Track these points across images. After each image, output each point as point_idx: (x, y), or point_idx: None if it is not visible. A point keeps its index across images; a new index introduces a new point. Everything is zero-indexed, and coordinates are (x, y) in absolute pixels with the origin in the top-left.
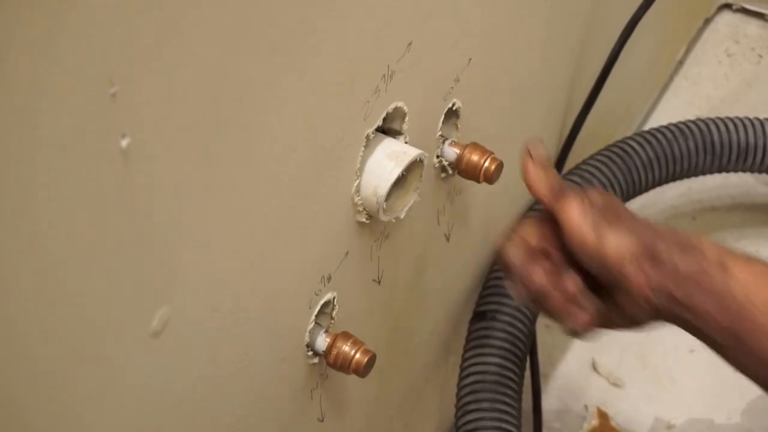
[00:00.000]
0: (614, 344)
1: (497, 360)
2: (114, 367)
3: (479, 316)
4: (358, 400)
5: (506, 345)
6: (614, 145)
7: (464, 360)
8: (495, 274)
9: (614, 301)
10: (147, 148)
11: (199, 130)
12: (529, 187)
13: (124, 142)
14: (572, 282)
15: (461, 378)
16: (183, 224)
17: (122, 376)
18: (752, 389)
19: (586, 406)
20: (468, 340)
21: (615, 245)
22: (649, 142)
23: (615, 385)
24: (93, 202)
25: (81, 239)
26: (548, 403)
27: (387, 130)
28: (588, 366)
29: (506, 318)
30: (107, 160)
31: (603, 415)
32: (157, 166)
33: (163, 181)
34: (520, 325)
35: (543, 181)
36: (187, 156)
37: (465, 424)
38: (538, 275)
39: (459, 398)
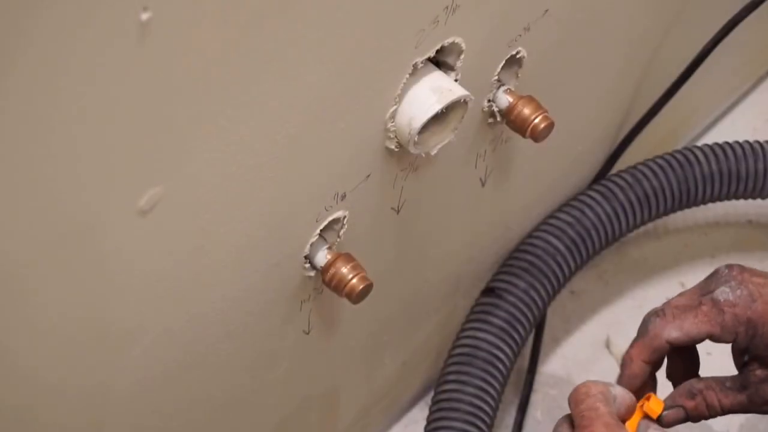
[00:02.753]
0: (633, 327)
1: (491, 338)
2: (98, 240)
3: (488, 291)
4: (351, 321)
5: (505, 325)
6: (677, 151)
7: (462, 330)
8: (514, 254)
9: None
10: (168, 24)
11: (231, 15)
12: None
13: (145, 16)
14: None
15: (453, 347)
16: (196, 108)
17: (105, 251)
18: None
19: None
20: (470, 313)
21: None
22: (716, 155)
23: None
24: (103, 72)
25: (86, 104)
26: (552, 368)
27: (440, 62)
28: (602, 342)
29: (512, 299)
30: (124, 32)
31: None
32: (177, 43)
33: (182, 60)
34: (524, 308)
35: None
36: (213, 39)
37: (442, 392)
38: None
39: (445, 365)
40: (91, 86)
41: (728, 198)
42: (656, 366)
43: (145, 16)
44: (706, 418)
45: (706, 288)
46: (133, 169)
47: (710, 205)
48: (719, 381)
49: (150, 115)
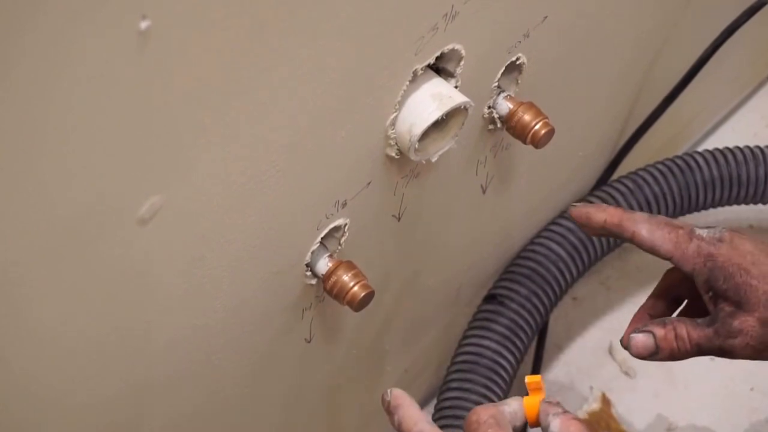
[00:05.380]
0: None
1: (494, 345)
2: (98, 249)
3: (489, 298)
4: (352, 329)
5: (507, 332)
6: (678, 157)
7: (464, 338)
8: (516, 261)
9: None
10: (168, 32)
11: (230, 24)
12: (588, 217)
13: (144, 24)
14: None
15: (455, 354)
16: (195, 117)
17: (105, 260)
18: (762, 410)
19: (591, 388)
20: (473, 320)
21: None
22: (717, 161)
23: (626, 374)
24: (103, 81)
25: (83, 113)
26: (555, 375)
27: (440, 69)
28: (605, 348)
29: (514, 305)
30: (124, 41)
31: (606, 402)
32: (177, 52)
33: (181, 69)
34: (526, 315)
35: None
36: (212, 48)
37: (445, 399)
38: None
39: (447, 373)
40: (90, 94)
41: (729, 203)
42: (604, 233)
43: (144, 25)
44: (675, 356)
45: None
46: (133, 177)
47: (711, 210)
48: (692, 318)
49: (149, 124)
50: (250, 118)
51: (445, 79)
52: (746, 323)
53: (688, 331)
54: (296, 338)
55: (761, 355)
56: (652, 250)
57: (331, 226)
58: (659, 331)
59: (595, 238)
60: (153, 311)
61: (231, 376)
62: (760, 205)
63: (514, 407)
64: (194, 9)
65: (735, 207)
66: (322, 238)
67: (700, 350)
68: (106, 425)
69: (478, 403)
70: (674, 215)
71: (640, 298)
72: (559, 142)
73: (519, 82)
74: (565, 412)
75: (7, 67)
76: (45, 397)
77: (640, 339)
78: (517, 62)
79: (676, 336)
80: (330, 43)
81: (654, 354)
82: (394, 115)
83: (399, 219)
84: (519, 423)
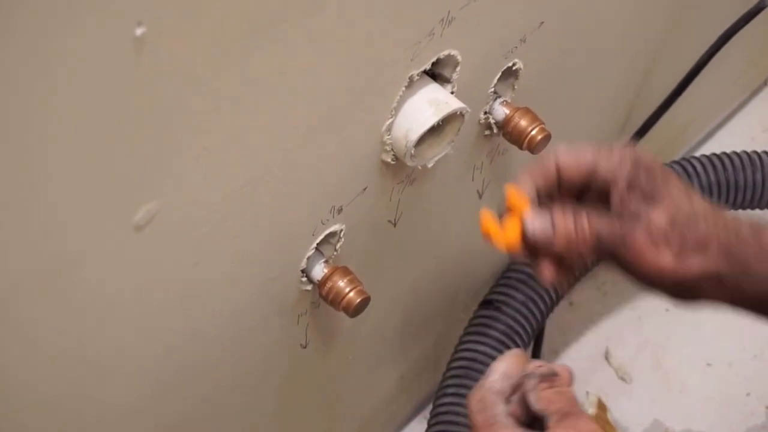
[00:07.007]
0: (632, 338)
1: (490, 350)
2: (94, 255)
3: (486, 304)
4: (348, 334)
5: (503, 337)
6: (676, 162)
7: (460, 343)
8: (513, 266)
9: None
10: (163, 39)
11: (226, 29)
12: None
13: (139, 31)
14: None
15: (451, 360)
16: (191, 122)
17: (101, 266)
18: (757, 415)
19: (587, 393)
20: (469, 325)
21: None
22: (714, 166)
23: (622, 379)
24: (99, 86)
25: (79, 118)
26: None
27: (436, 75)
28: (601, 354)
29: (510, 311)
30: (120, 47)
31: (602, 407)
32: (172, 59)
33: (176, 75)
34: (522, 320)
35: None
36: (209, 54)
37: (440, 405)
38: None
39: (443, 378)
40: (87, 99)
41: (726, 208)
42: (545, 188)
43: (139, 31)
44: (571, 243)
45: None
46: (128, 183)
47: None
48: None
49: (146, 129)
50: (245, 124)
51: (442, 84)
52: (652, 211)
53: (589, 217)
54: (292, 343)
55: (658, 260)
56: (580, 168)
57: (327, 231)
58: (558, 216)
59: None
60: (149, 317)
61: (227, 381)
62: (757, 210)
63: (502, 368)
64: (189, 15)
65: (732, 212)
66: (317, 244)
67: (599, 241)
68: (106, 430)
69: None
70: None
71: (636, 303)
72: (555, 147)
73: (515, 87)
74: (544, 379)
75: (2, 73)
76: (44, 405)
77: (538, 219)
78: (514, 68)
79: (576, 222)
80: (325, 48)
81: (550, 237)
82: (390, 120)
83: (395, 225)
84: (514, 375)
